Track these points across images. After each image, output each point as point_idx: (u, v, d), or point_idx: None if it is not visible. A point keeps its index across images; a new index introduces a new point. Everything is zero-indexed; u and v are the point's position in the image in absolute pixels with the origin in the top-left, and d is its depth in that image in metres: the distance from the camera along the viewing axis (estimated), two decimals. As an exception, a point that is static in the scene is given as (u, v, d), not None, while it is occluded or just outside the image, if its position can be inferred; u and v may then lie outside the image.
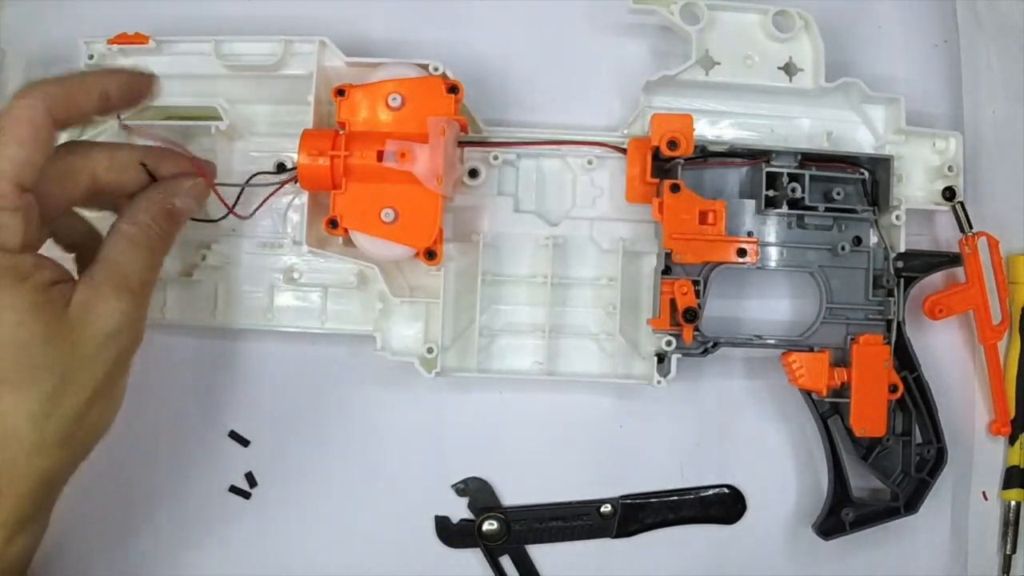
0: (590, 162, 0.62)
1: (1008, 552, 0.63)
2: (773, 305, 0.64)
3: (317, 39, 0.59)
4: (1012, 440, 0.64)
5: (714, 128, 0.63)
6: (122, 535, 0.62)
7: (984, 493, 0.64)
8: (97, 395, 0.49)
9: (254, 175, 0.58)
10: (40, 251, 0.49)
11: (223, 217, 0.58)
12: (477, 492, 0.63)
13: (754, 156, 0.60)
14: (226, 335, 0.63)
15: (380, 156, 0.54)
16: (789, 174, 0.58)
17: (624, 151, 0.61)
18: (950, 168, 0.62)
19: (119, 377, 0.51)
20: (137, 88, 0.53)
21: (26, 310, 0.46)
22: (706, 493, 0.64)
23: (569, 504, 0.63)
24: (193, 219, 0.58)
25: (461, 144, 0.61)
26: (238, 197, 0.58)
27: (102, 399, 0.50)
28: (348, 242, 0.58)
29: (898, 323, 0.60)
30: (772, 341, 0.60)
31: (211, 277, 0.62)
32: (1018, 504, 0.63)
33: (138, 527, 0.62)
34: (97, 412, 0.50)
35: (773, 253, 0.60)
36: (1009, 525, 0.63)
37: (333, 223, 0.56)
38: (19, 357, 0.46)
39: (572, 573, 0.63)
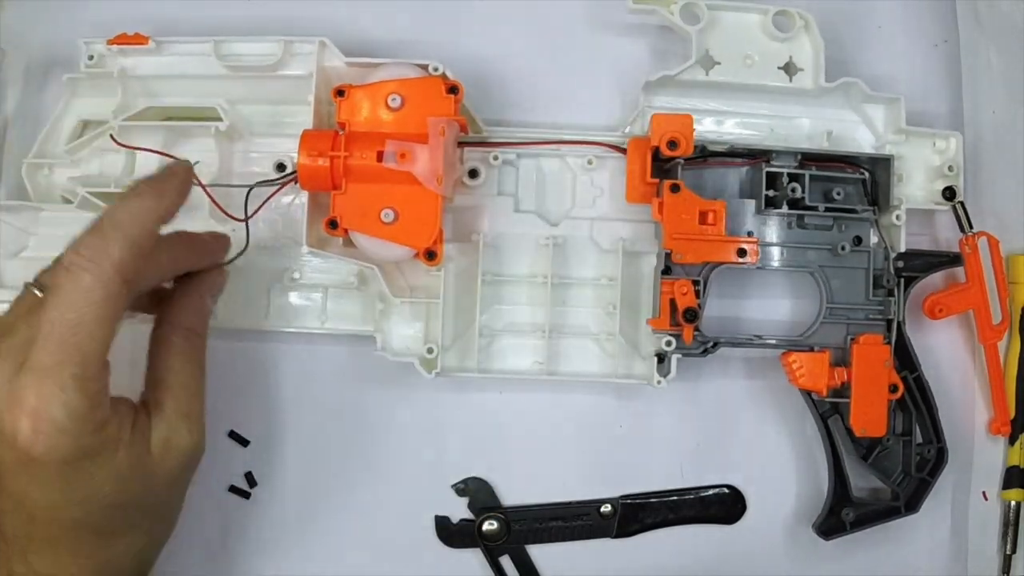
0: (590, 162, 0.62)
1: (1008, 552, 0.63)
2: (773, 305, 0.64)
3: (317, 39, 0.59)
4: (1012, 440, 0.64)
5: (714, 128, 0.63)
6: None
7: (984, 493, 0.64)
8: (179, 510, 0.55)
9: (255, 184, 0.58)
10: None
11: (237, 256, 0.57)
12: (477, 492, 0.63)
13: (754, 156, 0.60)
14: (226, 335, 0.63)
15: (380, 156, 0.54)
16: (789, 174, 0.58)
17: (624, 151, 0.61)
18: (950, 168, 0.62)
19: (189, 484, 0.54)
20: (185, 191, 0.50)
21: (124, 476, 0.47)
22: (706, 493, 0.64)
23: (569, 504, 0.63)
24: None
25: (461, 144, 0.61)
26: (247, 215, 0.57)
27: (180, 509, 0.55)
28: (348, 242, 0.58)
29: (898, 323, 0.60)
30: (772, 341, 0.60)
31: (211, 277, 0.62)
32: (1018, 504, 0.63)
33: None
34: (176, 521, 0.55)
35: (773, 253, 0.60)
36: (1009, 525, 0.63)
37: (333, 224, 0.56)
38: (123, 514, 0.49)
39: (572, 573, 0.63)
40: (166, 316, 0.53)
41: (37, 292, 0.46)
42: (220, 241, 0.56)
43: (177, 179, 0.49)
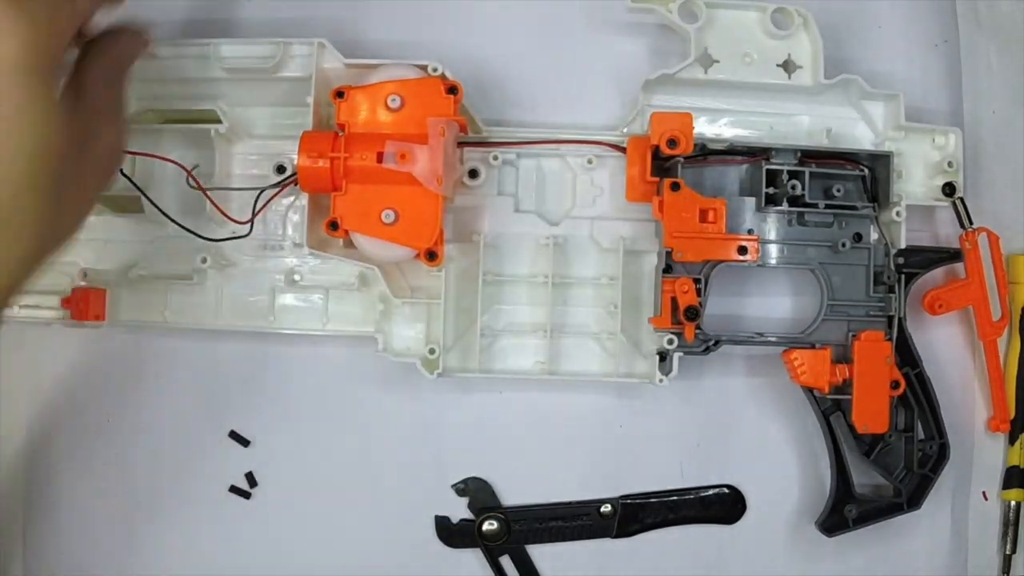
0: (590, 161, 0.62)
1: (1008, 552, 0.63)
2: (774, 303, 0.64)
3: (315, 41, 0.59)
4: (1012, 440, 0.63)
5: (713, 126, 0.63)
6: (123, 535, 0.62)
7: (984, 493, 0.64)
8: (81, 215, 0.48)
9: (262, 190, 0.59)
10: None
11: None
12: (477, 492, 0.63)
13: (754, 154, 0.60)
14: (227, 337, 0.63)
15: (380, 157, 0.54)
16: (789, 171, 0.58)
17: (624, 150, 0.61)
18: (950, 164, 0.62)
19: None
20: None
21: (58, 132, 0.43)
22: (706, 493, 0.64)
23: (569, 504, 0.63)
24: (198, 235, 0.59)
25: (461, 144, 0.61)
26: (253, 216, 0.58)
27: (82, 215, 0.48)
28: (349, 244, 0.58)
29: (899, 319, 0.60)
30: (773, 339, 0.60)
31: (212, 280, 0.62)
32: (1018, 504, 0.63)
33: (138, 527, 0.62)
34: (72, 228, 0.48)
35: (774, 250, 0.60)
36: (1009, 525, 0.63)
37: (333, 225, 0.56)
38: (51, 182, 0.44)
39: (572, 573, 0.63)
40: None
41: None
42: None
43: None
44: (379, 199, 0.56)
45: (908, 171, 0.63)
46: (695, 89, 0.63)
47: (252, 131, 0.63)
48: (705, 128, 0.63)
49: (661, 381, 0.60)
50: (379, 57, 0.60)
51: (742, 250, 0.58)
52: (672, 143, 0.56)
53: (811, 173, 0.59)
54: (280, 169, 0.62)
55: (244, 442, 0.63)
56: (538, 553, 0.63)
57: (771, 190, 0.59)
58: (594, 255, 0.62)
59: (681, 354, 0.59)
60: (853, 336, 0.59)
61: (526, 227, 0.62)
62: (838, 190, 0.59)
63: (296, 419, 0.63)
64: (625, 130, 0.62)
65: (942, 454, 0.60)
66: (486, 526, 0.62)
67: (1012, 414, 0.63)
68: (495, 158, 0.62)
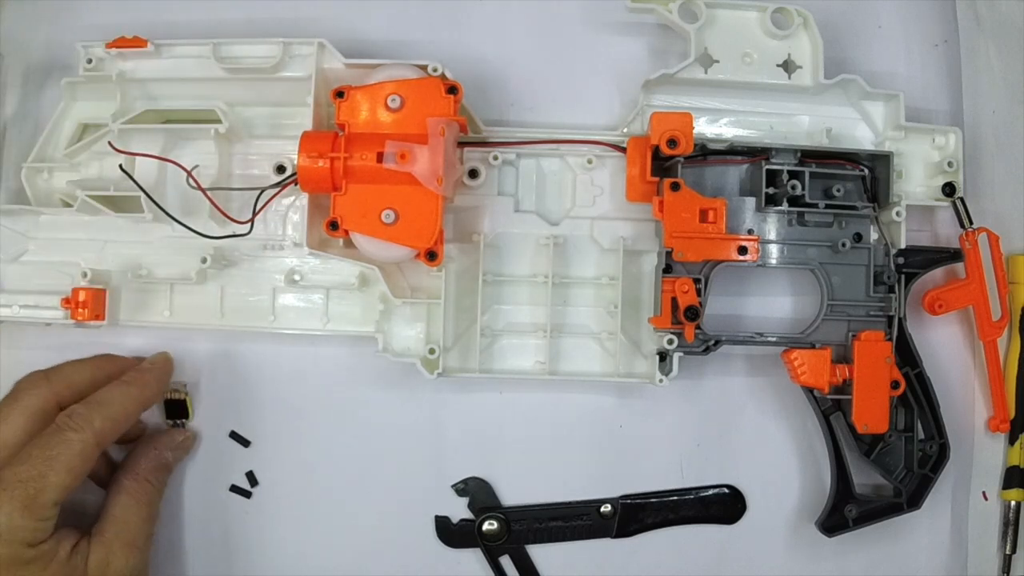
0: (590, 161, 0.62)
1: (1008, 552, 0.63)
2: (774, 302, 0.64)
3: (315, 41, 0.59)
4: (1012, 440, 0.63)
5: (713, 126, 0.64)
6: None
7: (984, 493, 0.64)
8: None
9: (262, 190, 0.59)
10: None
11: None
12: (477, 492, 0.63)
13: (754, 154, 0.60)
14: (228, 336, 0.63)
15: (380, 157, 0.55)
16: (789, 171, 0.58)
17: (624, 150, 0.61)
18: (950, 164, 0.62)
19: None
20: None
21: None
22: (706, 493, 0.64)
23: (569, 504, 0.63)
24: (199, 233, 0.59)
25: (461, 144, 0.61)
26: (253, 216, 0.58)
27: None
28: (349, 244, 0.58)
29: (899, 319, 0.60)
30: (774, 339, 0.60)
31: (213, 280, 0.62)
32: (1018, 504, 0.63)
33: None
34: None
35: (774, 250, 0.60)
36: (1009, 525, 0.63)
37: (333, 225, 0.56)
38: None
39: (572, 573, 0.63)
40: (125, 462, 0.60)
41: None
42: (163, 367, 0.62)
43: (157, 370, 0.61)
44: (379, 199, 0.56)
45: (908, 171, 0.63)
46: (695, 89, 0.63)
47: (252, 131, 0.63)
48: (705, 128, 0.63)
49: (661, 381, 0.60)
50: (379, 57, 0.60)
51: (742, 250, 0.58)
52: (672, 143, 0.56)
53: (811, 173, 0.59)
54: (280, 169, 0.62)
55: (244, 442, 0.63)
56: (538, 553, 0.63)
57: (771, 190, 0.59)
58: (594, 255, 0.62)
59: (681, 354, 0.59)
60: (853, 336, 0.59)
61: (526, 227, 0.62)
62: (838, 190, 0.59)
63: (296, 419, 0.63)
64: (625, 130, 0.62)
65: (942, 454, 0.60)
66: (486, 526, 0.62)
67: (1012, 414, 0.63)
68: (495, 158, 0.62)
